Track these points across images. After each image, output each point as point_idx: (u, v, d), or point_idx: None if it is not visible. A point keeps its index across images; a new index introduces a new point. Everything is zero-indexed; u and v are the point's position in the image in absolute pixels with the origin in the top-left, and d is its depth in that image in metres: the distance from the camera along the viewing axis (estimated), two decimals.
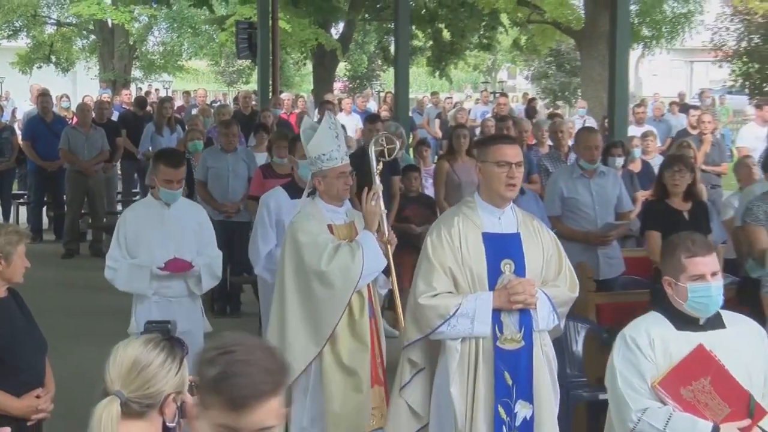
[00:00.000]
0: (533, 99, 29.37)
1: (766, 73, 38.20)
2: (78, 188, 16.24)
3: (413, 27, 26.84)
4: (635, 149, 13.05)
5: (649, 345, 4.73)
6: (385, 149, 6.70)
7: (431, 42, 31.27)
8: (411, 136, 16.34)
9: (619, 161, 11.35)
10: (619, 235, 9.85)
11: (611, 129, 13.30)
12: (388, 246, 6.61)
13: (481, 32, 30.99)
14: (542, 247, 5.63)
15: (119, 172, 18.49)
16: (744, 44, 39.41)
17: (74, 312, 12.36)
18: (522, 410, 5.38)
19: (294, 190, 7.83)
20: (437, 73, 33.64)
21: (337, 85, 38.55)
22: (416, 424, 5.67)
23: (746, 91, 36.70)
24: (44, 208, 18.01)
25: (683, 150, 11.55)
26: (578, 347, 8.21)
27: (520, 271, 5.48)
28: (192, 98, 27.61)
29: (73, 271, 15.15)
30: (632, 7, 25.98)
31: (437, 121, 23.69)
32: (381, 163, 6.67)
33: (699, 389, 4.72)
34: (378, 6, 29.89)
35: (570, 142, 12.62)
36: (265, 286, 7.98)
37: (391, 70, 20.63)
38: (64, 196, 16.79)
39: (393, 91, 19.08)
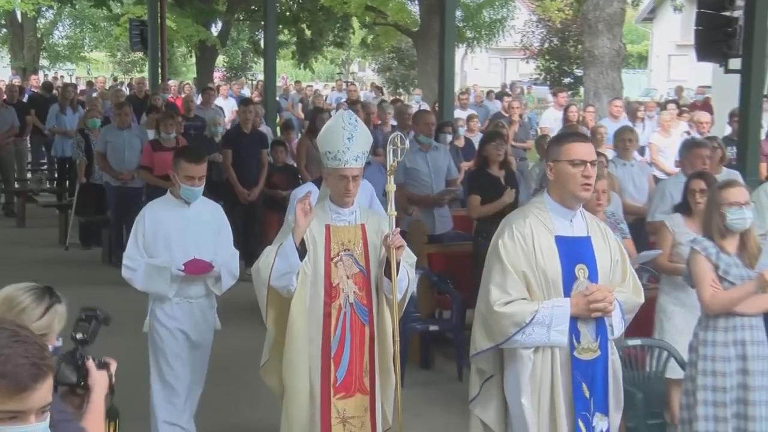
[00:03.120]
0: (379, 87, 29.62)
1: (563, 68, 39.30)
2: None
3: (280, 26, 26.79)
4: (460, 129, 13.33)
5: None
6: (399, 149, 5.16)
7: (295, 39, 31.29)
8: (278, 117, 16.36)
9: (449, 138, 11.51)
10: (450, 197, 9.98)
11: (441, 112, 13.42)
12: (392, 249, 5.06)
13: (336, 32, 31.41)
14: (610, 252, 4.56)
15: (29, 145, 18.25)
16: (546, 45, 40.53)
17: None
18: (599, 423, 4.35)
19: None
20: (301, 65, 33.75)
21: (217, 74, 38.09)
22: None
23: (547, 82, 37.65)
24: None
25: (498, 128, 11.82)
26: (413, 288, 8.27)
27: (593, 276, 4.42)
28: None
29: None
30: (458, 13, 26.28)
31: (300, 105, 23.80)
32: (395, 162, 5.21)
33: None
34: (251, 8, 29.65)
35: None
36: None
37: (262, 61, 20.56)
38: None
39: (263, 80, 19.01)
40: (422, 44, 25.56)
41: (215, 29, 30.87)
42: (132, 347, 9.18)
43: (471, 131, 14.08)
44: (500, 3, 34.67)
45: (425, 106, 17.32)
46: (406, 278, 5.26)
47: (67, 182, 15.51)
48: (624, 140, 9.92)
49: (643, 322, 6.65)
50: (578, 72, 34.85)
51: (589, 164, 4.43)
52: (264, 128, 13.56)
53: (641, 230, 8.49)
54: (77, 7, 33.85)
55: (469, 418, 4.70)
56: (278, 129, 14.68)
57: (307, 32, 30.52)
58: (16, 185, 16.43)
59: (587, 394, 4.30)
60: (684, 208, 6.72)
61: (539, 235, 4.35)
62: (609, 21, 19.98)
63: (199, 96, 19.17)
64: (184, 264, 5.78)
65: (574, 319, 4.31)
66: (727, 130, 13.72)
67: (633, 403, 5.85)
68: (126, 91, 22.98)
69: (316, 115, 12.66)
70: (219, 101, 19.75)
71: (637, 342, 6.34)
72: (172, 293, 5.85)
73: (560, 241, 4.36)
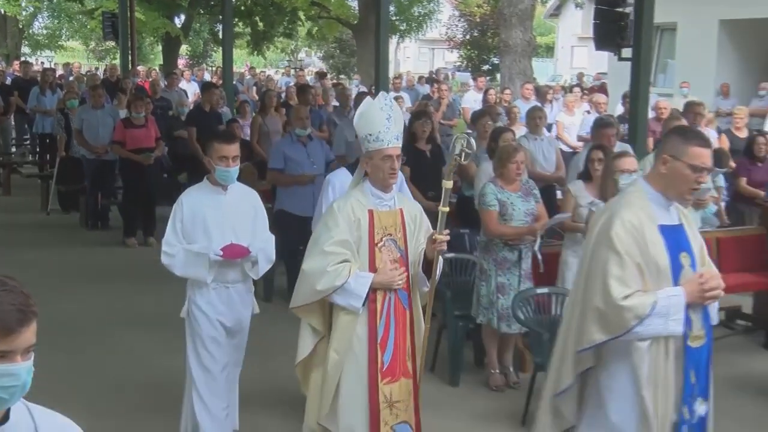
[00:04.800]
0: (324, 73, 29.45)
1: (482, 57, 39.39)
2: None
3: (236, 19, 26.55)
4: None
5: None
6: (464, 152, 4.49)
7: (250, 30, 30.96)
8: (236, 98, 16.24)
9: None
10: None
11: (377, 94, 13.40)
12: (437, 253, 4.46)
13: (285, 25, 31.18)
14: (698, 238, 3.98)
15: (13, 123, 18.00)
16: (467, 37, 40.56)
17: None
18: (700, 408, 3.83)
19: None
20: (255, 53, 33.53)
21: (181, 61, 37.47)
22: (559, 429, 4.02)
23: (469, 69, 37.69)
24: None
25: (424, 107, 11.86)
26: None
27: (693, 262, 3.83)
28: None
29: None
30: (391, 8, 26.15)
31: (254, 88, 23.57)
32: (456, 161, 4.55)
33: None
34: (210, 3, 29.24)
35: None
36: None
37: (221, 50, 20.44)
38: None
39: (222, 66, 18.84)
40: (361, 35, 25.44)
41: (179, 21, 30.48)
42: (98, 293, 9.27)
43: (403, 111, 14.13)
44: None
45: (363, 89, 17.29)
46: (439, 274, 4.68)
47: (48, 155, 15.24)
48: (535, 118, 10.01)
49: (549, 274, 6.78)
50: (495, 60, 34.93)
51: (706, 171, 3.80)
52: (224, 108, 13.48)
53: (550, 195, 8.58)
54: (54, 1, 33.50)
55: (540, 407, 4.07)
56: (235, 108, 14.55)
57: (260, 24, 30.34)
58: (2, 158, 16.13)
59: (693, 380, 3.80)
60: (585, 175, 6.80)
61: (646, 225, 3.75)
62: (521, 16, 20.10)
63: (165, 80, 18.98)
64: (222, 249, 5.16)
65: (685, 308, 3.75)
66: (620, 110, 13.95)
67: (540, 342, 5.96)
68: (100, 75, 22.66)
69: (266, 96, 12.81)
70: (183, 84, 19.67)
71: (544, 290, 6.42)
72: (210, 278, 5.20)
73: (663, 230, 3.78)
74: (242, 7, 28.35)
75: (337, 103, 13.98)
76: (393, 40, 35.89)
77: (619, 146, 7.83)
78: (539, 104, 13.17)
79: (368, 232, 4.41)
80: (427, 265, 4.44)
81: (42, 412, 2.27)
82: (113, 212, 12.62)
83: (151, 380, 6.84)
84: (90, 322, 8.31)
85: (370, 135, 4.46)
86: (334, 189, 5.72)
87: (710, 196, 7.50)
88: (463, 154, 4.51)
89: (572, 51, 44.95)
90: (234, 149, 5.22)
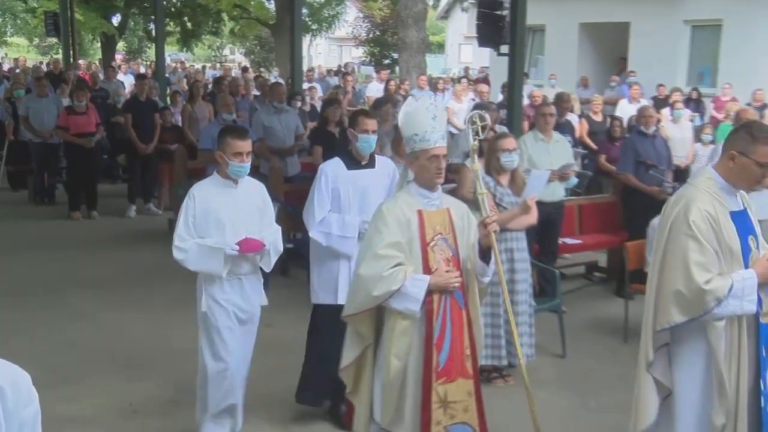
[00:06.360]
0: (246, 67, 29.02)
1: (383, 53, 39.39)
2: None
3: (167, 19, 25.86)
4: (306, 97, 13.25)
5: None
6: (479, 127, 4.01)
7: (179, 29, 30.19)
8: (168, 89, 15.84)
9: (298, 104, 11.43)
10: (298, 148, 9.90)
11: (293, 85, 13.28)
12: (491, 234, 3.78)
13: (211, 24, 30.61)
14: (756, 220, 3.71)
15: None
16: (370, 35, 40.47)
17: None
18: None
19: (351, 161, 5.08)
20: (184, 49, 32.79)
21: (118, 56, 36.14)
22: (659, 396, 3.65)
23: (372, 63, 37.59)
24: None
25: (335, 95, 11.81)
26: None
27: (758, 245, 3.61)
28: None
29: None
30: (304, 10, 25.84)
31: (185, 80, 22.99)
32: (477, 141, 4.02)
33: None
34: (144, 4, 28.33)
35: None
36: (317, 247, 5.05)
37: (154, 46, 19.91)
38: None
39: (155, 60, 18.34)
40: (278, 34, 25.02)
41: (116, 20, 29.50)
42: (49, 260, 9.02)
43: (313, 99, 14.05)
44: (336, 2, 34.42)
45: (280, 81, 17.10)
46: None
47: None
48: None
49: None
50: (394, 55, 34.88)
51: None
52: (157, 98, 13.16)
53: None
54: None
55: (638, 379, 3.71)
56: (168, 98, 14.19)
57: (189, 24, 29.73)
58: None
59: (765, 353, 3.55)
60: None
61: (720, 212, 3.50)
62: (416, 17, 20.13)
63: (103, 73, 18.41)
64: (238, 243, 4.50)
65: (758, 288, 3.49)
66: (500, 98, 14.15)
67: None
68: (44, 68, 21.82)
69: (194, 86, 12.62)
70: (120, 76, 19.11)
71: None
72: (225, 272, 4.54)
73: (734, 216, 3.54)
74: (172, 9, 27.69)
75: (257, 93, 13.86)
76: (306, 38, 35.39)
77: (499, 128, 7.94)
78: (432, 93, 13.26)
79: (419, 233, 3.75)
80: (481, 254, 3.83)
81: None
82: (59, 189, 12.29)
83: (99, 336, 6.68)
84: (42, 284, 8.07)
85: (416, 135, 3.79)
86: (326, 177, 5.01)
87: (572, 170, 7.66)
88: (479, 129, 4.01)
89: (459, 48, 45.26)
90: (248, 145, 4.59)
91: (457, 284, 3.72)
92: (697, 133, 10.81)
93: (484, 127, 4.01)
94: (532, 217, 5.76)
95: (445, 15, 43.65)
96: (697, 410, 3.55)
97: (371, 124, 4.98)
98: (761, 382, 3.52)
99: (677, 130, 10.50)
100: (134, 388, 5.63)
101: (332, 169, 5.03)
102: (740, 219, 3.56)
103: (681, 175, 9.87)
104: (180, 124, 11.73)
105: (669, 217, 3.57)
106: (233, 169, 4.54)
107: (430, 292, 3.65)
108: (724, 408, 3.47)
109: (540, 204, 6.00)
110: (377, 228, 3.75)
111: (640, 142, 8.24)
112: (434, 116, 3.77)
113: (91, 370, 5.94)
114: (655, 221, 6.88)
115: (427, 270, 3.70)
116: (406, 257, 3.69)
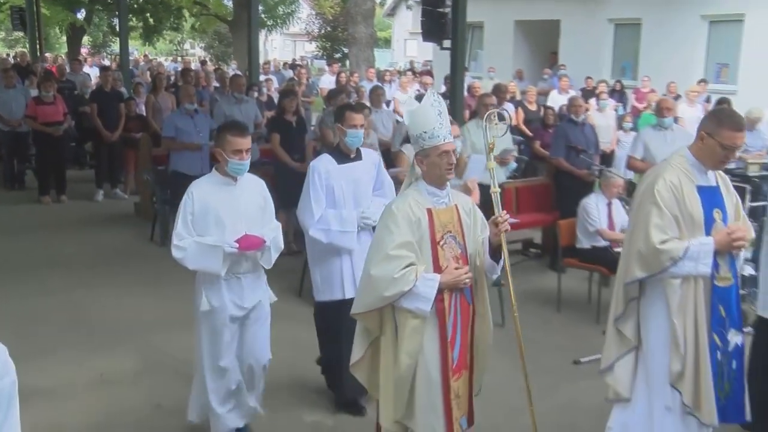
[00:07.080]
0: (204, 61, 28.63)
1: (335, 47, 39.18)
2: None
3: (130, 15, 25.25)
4: (263, 88, 13.13)
5: None
6: (496, 126, 3.74)
7: (142, 24, 29.54)
8: (132, 81, 15.55)
9: (255, 95, 11.33)
10: (257, 136, 9.82)
11: (250, 77, 13.15)
12: (503, 234, 3.48)
13: (172, 20, 30.02)
14: (732, 197, 3.81)
15: None
16: (322, 31, 40.23)
17: None
18: (734, 338, 3.72)
19: (341, 156, 4.81)
20: (146, 44, 32.09)
21: (84, 50, 35.21)
22: (624, 348, 3.81)
23: (324, 57, 37.35)
24: None
25: (290, 87, 11.73)
26: None
27: (725, 218, 3.72)
28: None
29: None
30: (260, 7, 25.50)
31: (148, 72, 22.55)
32: (494, 139, 3.73)
33: None
34: (108, 1, 27.62)
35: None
36: (317, 245, 4.76)
37: (118, 40, 19.52)
38: None
39: (119, 54, 17.96)
40: (236, 29, 24.60)
41: (81, 15, 28.72)
42: (21, 241, 8.83)
43: (270, 90, 13.91)
44: (289, 0, 34.10)
45: (239, 73, 16.90)
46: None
47: None
48: (378, 95, 10.08)
49: None
50: (345, 50, 34.68)
51: (734, 150, 3.64)
52: (122, 89, 12.91)
53: (387, 157, 8.63)
54: None
55: (607, 330, 3.87)
56: (132, 89, 13.93)
57: (150, 20, 29.14)
58: None
59: (723, 314, 3.68)
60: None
61: (685, 184, 3.63)
62: (365, 14, 20.08)
63: (69, 65, 17.95)
64: (237, 240, 4.11)
65: (714, 254, 3.61)
66: (443, 89, 14.21)
67: None
68: (12, 60, 21.18)
69: (157, 78, 12.41)
70: (86, 69, 18.70)
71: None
72: (224, 271, 4.14)
73: (701, 190, 3.66)
74: (135, 5, 27.10)
75: (217, 84, 13.69)
76: (262, 34, 34.97)
77: None
78: (380, 84, 13.26)
79: (429, 231, 3.48)
80: (492, 251, 3.59)
81: None
82: (29, 176, 11.99)
83: (69, 311, 6.56)
84: (14, 263, 7.89)
85: (425, 132, 3.50)
86: (319, 175, 4.70)
87: (511, 155, 7.74)
88: (498, 128, 3.74)
89: (405, 43, 45.22)
90: (247, 142, 4.20)
91: (467, 281, 3.49)
92: (620, 121, 11.05)
93: (501, 128, 3.80)
94: (474, 197, 5.79)
95: (392, 12, 43.55)
96: (662, 358, 3.67)
97: (359, 118, 4.77)
98: (714, 336, 3.64)
99: (602, 119, 10.70)
100: (104, 358, 5.56)
101: (323, 165, 4.73)
102: (708, 193, 3.67)
103: (606, 159, 10.10)
104: (144, 113, 11.53)
105: (641, 188, 3.73)
106: (233, 166, 4.16)
107: (440, 291, 3.42)
108: (678, 356, 3.60)
109: (481, 186, 6.05)
110: (388, 228, 3.46)
111: (571, 129, 8.38)
112: (439, 112, 3.52)
113: (62, 343, 5.84)
114: (585, 201, 7.05)
115: (437, 269, 3.46)
116: (416, 257, 3.44)
